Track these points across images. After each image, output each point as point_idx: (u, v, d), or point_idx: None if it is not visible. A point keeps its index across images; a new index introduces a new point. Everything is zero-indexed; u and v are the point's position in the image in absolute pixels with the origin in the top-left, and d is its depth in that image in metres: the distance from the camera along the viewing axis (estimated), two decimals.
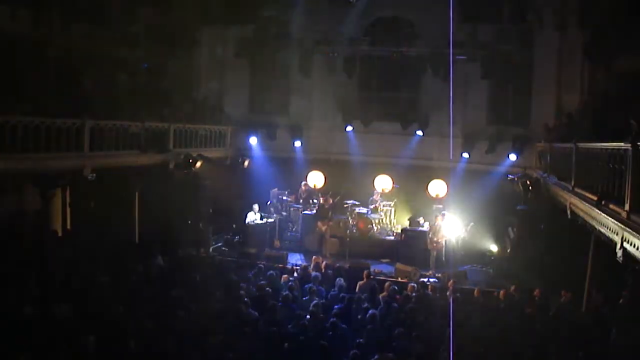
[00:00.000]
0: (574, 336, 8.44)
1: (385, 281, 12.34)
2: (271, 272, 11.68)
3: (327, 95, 18.24)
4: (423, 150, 17.31)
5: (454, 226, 15.15)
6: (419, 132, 17.22)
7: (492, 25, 16.21)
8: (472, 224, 15.66)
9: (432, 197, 16.81)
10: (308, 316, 9.01)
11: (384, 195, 17.19)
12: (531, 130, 16.17)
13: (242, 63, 18.56)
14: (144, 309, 8.93)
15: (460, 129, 17.16)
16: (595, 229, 7.89)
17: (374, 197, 17.04)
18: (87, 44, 14.61)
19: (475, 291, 11.61)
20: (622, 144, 6.65)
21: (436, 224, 14.70)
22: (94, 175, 12.03)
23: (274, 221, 16.50)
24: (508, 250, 14.38)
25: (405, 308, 9.92)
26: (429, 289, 11.53)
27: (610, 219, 6.98)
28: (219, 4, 16.89)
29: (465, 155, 16.72)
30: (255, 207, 16.51)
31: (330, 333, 8.43)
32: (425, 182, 16.97)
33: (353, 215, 16.33)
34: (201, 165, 14.77)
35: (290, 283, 11.03)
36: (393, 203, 17.06)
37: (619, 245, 6.54)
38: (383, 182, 17.29)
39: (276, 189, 17.64)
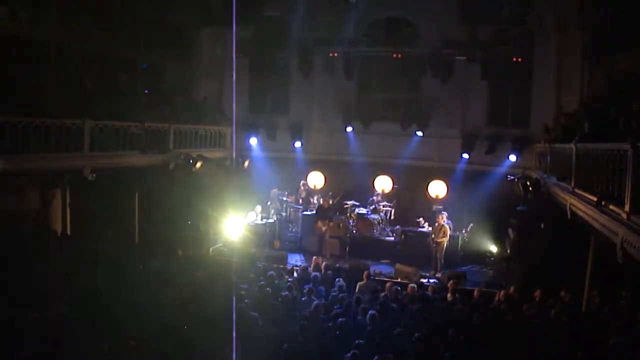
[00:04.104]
0: (574, 337, 8.44)
1: (385, 282, 12.35)
2: (271, 272, 11.68)
3: (327, 95, 18.26)
4: (423, 150, 17.32)
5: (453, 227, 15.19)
6: (419, 133, 17.23)
7: (492, 26, 16.20)
8: (472, 224, 15.68)
9: (432, 197, 16.83)
10: (308, 316, 9.01)
11: (384, 196, 17.20)
12: (531, 131, 16.19)
13: (242, 63, 18.56)
14: (144, 308, 8.93)
15: (459, 129, 17.20)
16: (595, 229, 7.89)
17: (374, 197, 17.05)
18: (87, 44, 14.62)
19: (475, 292, 11.61)
20: (622, 144, 6.65)
21: (437, 224, 14.70)
22: (94, 175, 12.03)
23: (274, 222, 16.50)
24: (508, 251, 14.38)
25: (405, 309, 9.92)
26: (429, 290, 11.53)
27: (610, 219, 6.98)
28: (219, 4, 16.89)
29: (465, 155, 16.73)
30: (258, 208, 16.52)
31: (330, 334, 8.43)
32: (425, 182, 16.98)
33: (353, 216, 16.33)
34: (201, 165, 14.77)
35: (289, 284, 11.03)
36: (393, 203, 17.07)
37: (618, 246, 6.54)
38: (383, 183, 17.31)
39: (276, 189, 17.65)
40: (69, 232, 13.49)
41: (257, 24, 18.00)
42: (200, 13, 17.48)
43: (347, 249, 15.28)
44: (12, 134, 10.03)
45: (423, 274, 13.81)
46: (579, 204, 8.86)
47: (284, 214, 17.28)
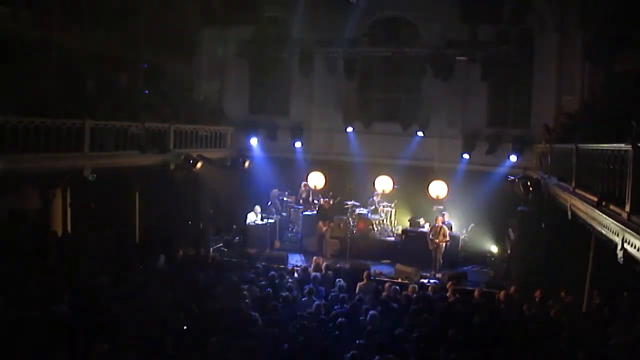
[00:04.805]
0: (574, 337, 8.43)
1: (385, 282, 12.34)
2: (272, 272, 11.67)
3: (327, 95, 18.25)
4: (423, 151, 17.30)
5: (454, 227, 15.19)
6: (419, 133, 17.21)
7: (492, 26, 16.19)
8: (472, 225, 15.68)
9: (432, 198, 16.82)
10: (308, 317, 9.01)
11: (385, 196, 17.19)
12: (531, 131, 16.19)
13: (242, 63, 18.56)
14: (144, 308, 8.93)
15: (460, 129, 17.19)
16: (596, 229, 7.87)
17: (374, 198, 17.04)
18: (87, 44, 14.62)
19: (476, 292, 11.61)
20: (622, 145, 6.63)
21: (436, 225, 14.70)
22: (94, 175, 12.03)
23: (274, 222, 16.50)
24: (508, 252, 14.39)
25: (406, 309, 9.91)
26: (429, 290, 11.53)
27: (610, 219, 6.96)
28: (219, 4, 16.90)
29: (466, 156, 16.73)
30: (257, 208, 16.54)
31: (330, 334, 8.43)
32: (425, 183, 16.98)
33: (353, 216, 16.32)
34: (201, 165, 14.78)
35: (288, 284, 11.04)
36: (393, 204, 17.06)
37: (619, 246, 6.52)
38: (383, 183, 17.30)
39: (276, 189, 17.64)
40: (69, 232, 13.50)
41: (257, 24, 17.99)
42: (201, 13, 17.48)
43: (347, 249, 15.27)
44: (12, 134, 10.03)
45: (423, 274, 13.82)
46: (580, 204, 8.85)
47: (284, 214, 17.28)
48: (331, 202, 16.37)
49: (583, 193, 8.78)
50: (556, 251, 11.71)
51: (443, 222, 14.83)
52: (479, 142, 16.71)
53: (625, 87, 12.34)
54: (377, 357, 7.46)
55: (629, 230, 6.23)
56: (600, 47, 13.79)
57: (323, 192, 17.53)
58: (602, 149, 7.68)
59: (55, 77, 12.11)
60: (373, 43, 17.27)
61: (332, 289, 10.87)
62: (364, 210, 16.54)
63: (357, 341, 7.88)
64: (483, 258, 15.45)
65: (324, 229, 15.59)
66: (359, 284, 11.51)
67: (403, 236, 15.64)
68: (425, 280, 13.41)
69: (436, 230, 14.61)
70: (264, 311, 9.14)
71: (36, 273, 10.13)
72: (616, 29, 12.80)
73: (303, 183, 17.84)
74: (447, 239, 14.59)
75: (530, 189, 12.97)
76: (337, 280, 11.33)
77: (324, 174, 17.87)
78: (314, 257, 13.51)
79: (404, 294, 10.96)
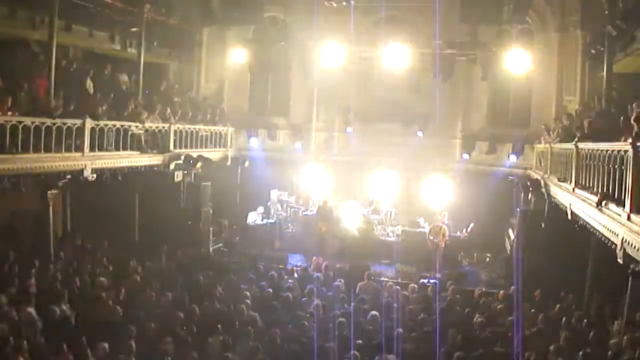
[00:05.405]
0: (574, 337, 8.43)
1: (385, 282, 12.35)
2: (272, 272, 11.67)
3: (327, 95, 18.23)
4: (423, 150, 17.29)
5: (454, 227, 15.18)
6: (419, 133, 17.20)
7: (492, 26, 16.19)
8: (472, 224, 15.67)
9: (432, 198, 16.81)
10: (308, 317, 9.01)
11: (384, 196, 17.16)
12: (531, 131, 16.18)
13: (242, 63, 18.55)
14: (144, 309, 8.94)
15: (460, 129, 17.19)
16: (596, 230, 7.88)
17: (374, 198, 17.02)
18: (87, 44, 14.61)
19: (476, 292, 11.61)
20: (622, 144, 6.64)
21: (436, 225, 14.69)
22: (94, 175, 12.03)
23: (275, 222, 16.50)
24: (508, 252, 14.38)
25: (405, 309, 9.91)
26: (429, 290, 11.52)
27: (610, 219, 6.97)
28: (219, 4, 16.91)
29: (466, 156, 16.72)
30: (260, 209, 16.52)
31: (331, 334, 8.42)
32: (425, 182, 16.96)
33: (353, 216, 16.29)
34: (201, 165, 14.77)
35: (288, 284, 11.03)
36: (393, 204, 17.04)
37: (619, 247, 6.53)
38: (383, 183, 17.28)
39: (277, 189, 17.64)
40: (69, 232, 13.50)
41: (257, 24, 17.99)
42: (201, 13, 17.48)
43: (347, 249, 15.26)
44: (12, 134, 10.03)
45: (423, 274, 13.81)
46: (580, 204, 8.86)
47: (284, 214, 17.28)
48: (331, 203, 16.36)
49: (583, 193, 8.78)
50: (556, 251, 11.71)
51: (443, 222, 14.83)
52: (479, 142, 16.71)
53: (625, 87, 12.33)
54: (377, 357, 7.46)
55: (628, 230, 6.23)
56: (601, 47, 13.79)
57: (322, 192, 17.52)
58: (602, 149, 7.69)
59: (55, 77, 12.09)
60: (373, 43, 17.24)
61: (332, 290, 10.86)
62: (364, 211, 16.53)
63: (357, 341, 7.88)
64: (483, 258, 15.45)
65: (324, 229, 15.58)
66: (359, 284, 11.50)
67: (403, 236, 15.63)
68: (425, 280, 13.40)
69: (436, 230, 14.60)
70: (264, 311, 9.15)
71: (36, 273, 10.14)
72: (616, 29, 12.79)
73: (303, 183, 17.84)
74: (447, 238, 14.59)
75: (530, 189, 12.98)
76: (338, 280, 11.33)
77: (323, 174, 17.86)
78: (314, 257, 13.51)
79: (404, 294, 10.96)
